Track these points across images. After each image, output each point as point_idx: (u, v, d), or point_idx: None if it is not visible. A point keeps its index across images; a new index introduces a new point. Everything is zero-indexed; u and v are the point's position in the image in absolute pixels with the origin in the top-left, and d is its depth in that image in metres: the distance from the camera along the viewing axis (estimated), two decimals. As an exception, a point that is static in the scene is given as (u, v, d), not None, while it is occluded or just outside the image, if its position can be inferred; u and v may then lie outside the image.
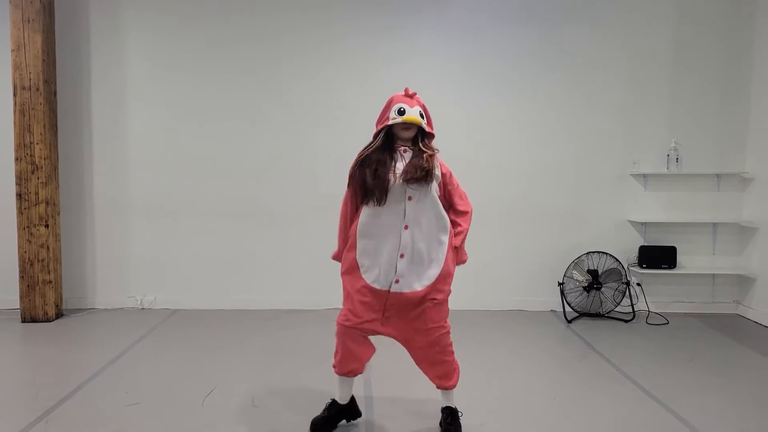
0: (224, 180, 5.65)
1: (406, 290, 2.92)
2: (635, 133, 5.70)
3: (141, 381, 3.85)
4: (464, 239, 3.15)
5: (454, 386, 3.13)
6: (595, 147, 5.72)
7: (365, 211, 2.96)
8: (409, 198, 2.91)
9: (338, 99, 5.65)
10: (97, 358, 4.27)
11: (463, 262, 3.20)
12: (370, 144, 3.00)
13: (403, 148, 2.98)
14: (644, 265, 5.60)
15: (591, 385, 3.87)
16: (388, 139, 2.97)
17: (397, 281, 2.92)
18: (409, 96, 2.97)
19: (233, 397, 3.60)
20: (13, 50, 5.01)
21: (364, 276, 2.95)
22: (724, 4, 5.61)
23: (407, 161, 2.93)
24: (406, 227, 2.91)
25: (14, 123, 5.06)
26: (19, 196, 5.11)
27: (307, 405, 3.45)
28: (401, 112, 2.90)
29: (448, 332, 3.06)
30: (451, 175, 3.14)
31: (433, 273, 2.97)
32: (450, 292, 3.08)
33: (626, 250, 5.75)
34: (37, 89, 5.06)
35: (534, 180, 5.74)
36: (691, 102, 5.67)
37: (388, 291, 2.92)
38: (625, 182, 5.75)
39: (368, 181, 2.87)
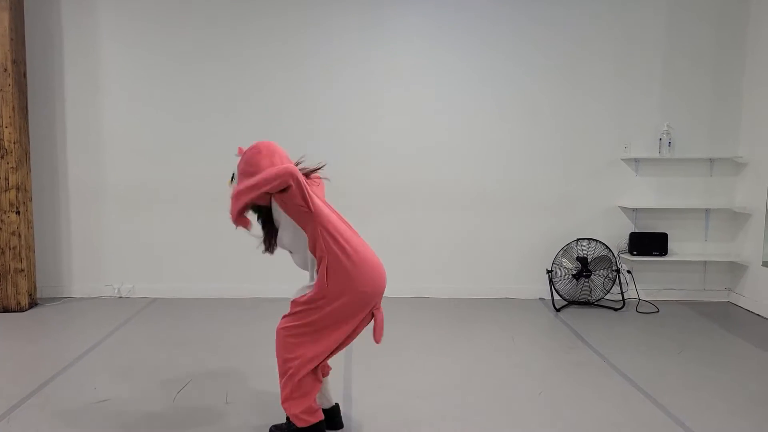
0: (203, 164, 5.46)
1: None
2: (626, 117, 5.54)
3: (113, 375, 3.70)
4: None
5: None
6: (585, 131, 5.56)
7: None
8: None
9: (324, 82, 5.46)
10: (69, 351, 4.12)
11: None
12: None
13: None
14: (635, 252, 5.47)
15: (578, 378, 3.75)
16: None
17: None
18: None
19: (207, 393, 3.46)
20: (-22, 29, 4.79)
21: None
22: (719, -18, 5.43)
23: None
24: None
25: (-18, 105, 4.85)
26: (-12, 181, 4.93)
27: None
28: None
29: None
30: None
31: None
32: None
33: (617, 236, 5.62)
34: (5, 70, 4.84)
35: (522, 165, 5.58)
36: (684, 85, 5.51)
37: None
38: (615, 167, 5.60)
39: None
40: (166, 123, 5.43)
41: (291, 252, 2.86)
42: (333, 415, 3.00)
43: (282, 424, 2.94)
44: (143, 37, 5.37)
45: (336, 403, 3.05)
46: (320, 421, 2.79)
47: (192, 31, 5.38)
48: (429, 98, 5.51)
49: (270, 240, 2.89)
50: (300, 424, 2.75)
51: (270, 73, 5.45)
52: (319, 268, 2.67)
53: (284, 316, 2.78)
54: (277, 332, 2.76)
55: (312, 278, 2.76)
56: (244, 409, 3.26)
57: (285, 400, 2.75)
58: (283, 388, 2.75)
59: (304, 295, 2.72)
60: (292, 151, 2.91)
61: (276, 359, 2.79)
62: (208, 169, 5.46)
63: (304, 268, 2.85)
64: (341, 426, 3.03)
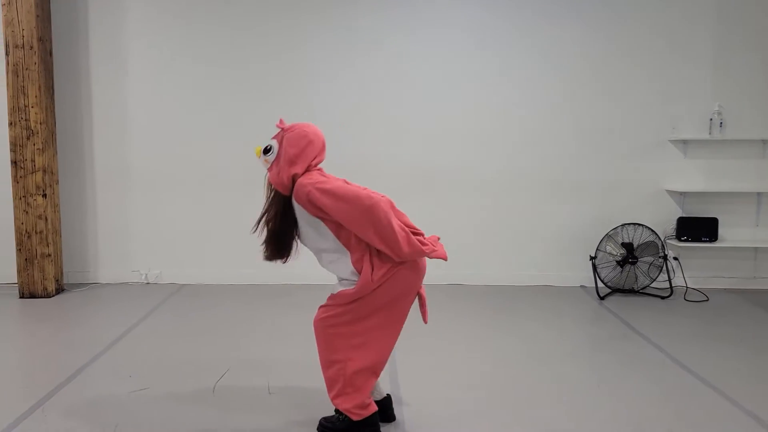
0: (234, 147, 5.27)
1: None
2: (675, 96, 5.27)
3: (146, 364, 3.53)
4: None
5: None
6: (631, 110, 5.30)
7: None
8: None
9: (348, 62, 5.25)
10: (99, 338, 3.96)
11: None
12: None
13: None
14: (683, 238, 5.22)
15: (635, 370, 3.53)
16: None
17: None
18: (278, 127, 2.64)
19: (247, 383, 3.28)
20: (3, 5, 4.61)
21: None
22: (775, -47, 5.13)
23: None
24: None
25: (7, 84, 4.69)
26: (14, 163, 4.77)
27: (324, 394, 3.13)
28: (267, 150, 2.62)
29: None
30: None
31: None
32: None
33: (663, 221, 5.36)
34: (31, 47, 4.67)
35: (564, 146, 5.34)
36: (737, 63, 5.22)
37: None
38: (663, 148, 5.34)
39: None
40: (196, 104, 5.24)
41: (317, 250, 2.63)
42: (385, 408, 2.81)
43: (332, 417, 2.75)
44: (171, 17, 5.17)
45: (387, 395, 2.86)
46: (374, 414, 2.61)
47: (222, 12, 5.17)
48: (468, 78, 5.27)
49: (287, 242, 2.63)
50: (354, 418, 2.58)
51: (299, 55, 5.24)
52: (356, 261, 2.50)
53: (323, 308, 2.62)
54: (317, 325, 2.60)
55: (347, 273, 2.56)
56: (285, 399, 3.08)
57: (336, 396, 2.57)
58: (332, 384, 2.58)
59: (347, 289, 2.53)
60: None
61: (318, 353, 2.62)
62: (238, 151, 5.26)
63: (332, 265, 2.62)
64: (393, 418, 2.84)
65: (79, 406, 2.96)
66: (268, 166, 2.58)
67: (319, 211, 2.45)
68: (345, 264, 2.54)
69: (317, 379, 3.27)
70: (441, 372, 3.46)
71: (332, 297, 2.59)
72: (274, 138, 2.59)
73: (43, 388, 3.16)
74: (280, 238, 2.59)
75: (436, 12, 5.22)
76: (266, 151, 2.58)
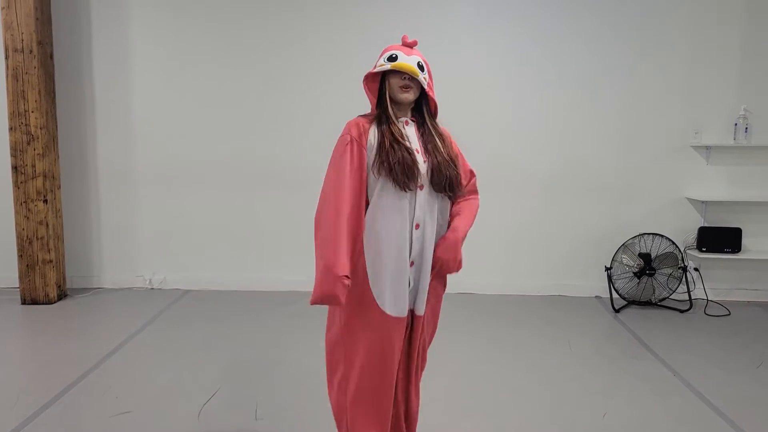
0: (239, 145, 5.15)
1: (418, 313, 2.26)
2: (698, 99, 5.00)
3: (137, 382, 3.44)
4: (462, 242, 2.33)
5: None
6: (651, 113, 5.05)
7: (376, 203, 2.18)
8: (420, 187, 2.20)
9: (360, 58, 5.07)
10: (95, 350, 3.88)
11: (453, 270, 2.34)
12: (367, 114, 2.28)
13: (404, 120, 2.24)
14: (704, 249, 4.97)
15: (646, 395, 3.34)
16: (380, 106, 2.23)
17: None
18: (408, 45, 2.21)
19: (234, 405, 3.17)
20: (2, 8, 4.53)
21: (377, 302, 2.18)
22: (809, -53, 4.82)
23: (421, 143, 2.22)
24: (417, 227, 2.22)
25: (7, 89, 4.62)
26: (14, 168, 4.71)
27: (318, 422, 3.00)
28: (393, 59, 2.15)
29: None
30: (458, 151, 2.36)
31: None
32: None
33: (684, 231, 5.12)
34: (31, 51, 4.59)
35: (580, 149, 5.11)
36: (763, 65, 4.93)
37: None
38: (684, 154, 5.08)
39: (405, 159, 2.12)
40: (199, 106, 5.13)
41: (418, 225, 2.23)
42: None
43: None
44: (174, 16, 5.05)
45: None
46: None
47: (226, 10, 5.04)
48: (482, 77, 5.06)
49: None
50: None
51: (308, 51, 5.08)
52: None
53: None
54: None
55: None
56: (275, 422, 2.96)
57: None
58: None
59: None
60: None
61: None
62: (243, 153, 5.15)
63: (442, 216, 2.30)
64: None
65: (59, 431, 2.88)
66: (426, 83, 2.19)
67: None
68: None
69: (312, 403, 3.15)
70: (442, 395, 3.30)
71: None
72: (410, 55, 2.18)
73: (25, 410, 3.08)
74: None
75: (450, 15, 5.02)
76: (421, 68, 2.18)
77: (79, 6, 5.02)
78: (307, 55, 5.08)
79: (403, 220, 2.17)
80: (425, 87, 2.19)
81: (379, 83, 2.23)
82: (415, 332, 2.28)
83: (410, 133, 2.22)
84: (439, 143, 2.23)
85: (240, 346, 4.01)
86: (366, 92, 2.26)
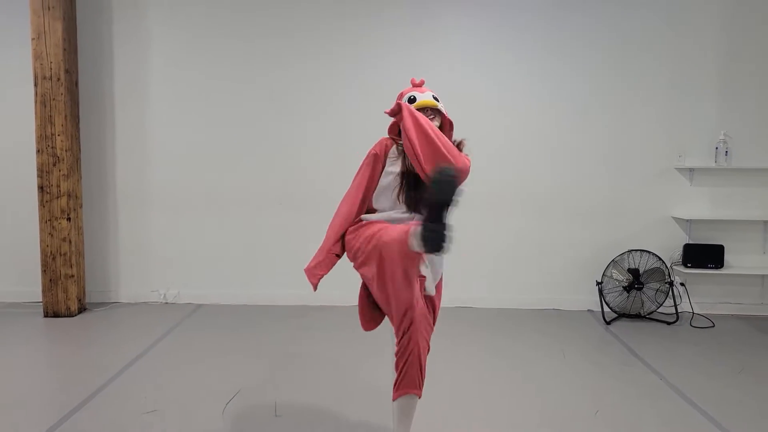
0: (248, 170, 5.47)
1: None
2: (681, 124, 5.37)
3: (162, 384, 3.70)
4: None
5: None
6: (638, 139, 5.41)
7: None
8: None
9: (376, 76, 5.42)
10: (116, 358, 4.14)
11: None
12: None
13: None
14: (689, 265, 5.29)
15: (635, 398, 3.62)
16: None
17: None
18: (417, 85, 2.83)
19: (256, 404, 3.43)
20: (33, 39, 4.87)
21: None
22: (781, -15, 5.22)
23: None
24: None
25: (35, 114, 4.93)
26: (40, 188, 5.00)
27: (330, 414, 3.27)
28: (412, 101, 2.72)
29: None
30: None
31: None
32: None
33: (670, 248, 5.44)
34: (58, 79, 4.92)
35: (571, 171, 5.45)
36: (742, 92, 5.31)
37: None
38: (669, 176, 5.43)
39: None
40: (212, 131, 5.45)
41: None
42: None
43: None
44: (191, 47, 5.40)
45: None
46: None
47: (239, 41, 5.39)
48: (470, 95, 5.40)
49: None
50: None
51: (318, 75, 5.42)
52: None
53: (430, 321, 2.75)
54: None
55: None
56: (295, 422, 3.22)
57: None
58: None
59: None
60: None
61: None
62: (253, 176, 5.47)
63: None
64: None
65: (93, 431, 3.13)
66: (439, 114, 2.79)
67: None
68: None
69: (326, 401, 3.42)
70: (439, 401, 3.57)
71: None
72: (423, 92, 2.79)
73: (57, 413, 3.31)
74: None
75: (450, 36, 5.38)
76: (436, 99, 2.77)
77: (103, 38, 5.36)
78: (325, 83, 5.42)
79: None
80: (444, 112, 2.74)
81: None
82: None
83: None
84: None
85: (254, 354, 4.28)
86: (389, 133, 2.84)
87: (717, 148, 5.29)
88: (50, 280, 5.08)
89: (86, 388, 3.63)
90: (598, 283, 5.27)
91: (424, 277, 2.67)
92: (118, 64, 5.40)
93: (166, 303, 5.60)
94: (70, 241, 5.08)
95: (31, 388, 3.66)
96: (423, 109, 2.69)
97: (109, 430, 3.10)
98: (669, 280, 5.22)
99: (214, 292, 5.60)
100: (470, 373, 4.00)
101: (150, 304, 5.57)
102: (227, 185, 5.51)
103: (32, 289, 5.43)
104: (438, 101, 2.75)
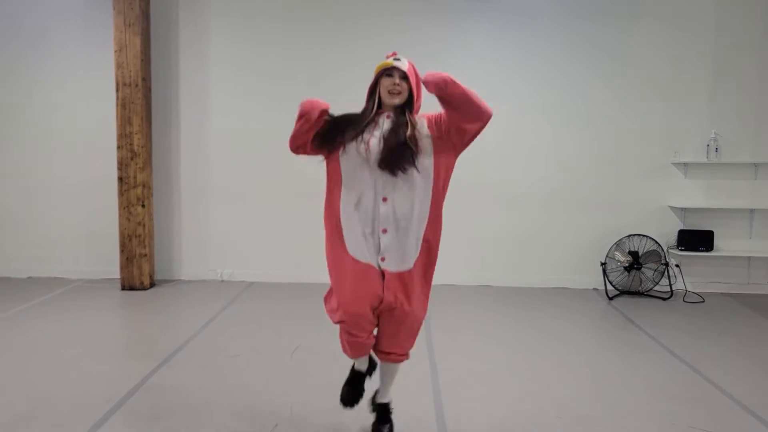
0: (295, 166, 6.18)
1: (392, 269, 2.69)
2: (676, 124, 6.09)
3: (235, 339, 4.49)
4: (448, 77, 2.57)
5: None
6: (638, 137, 6.13)
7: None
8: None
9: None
10: (191, 322, 4.92)
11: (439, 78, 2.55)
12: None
13: (386, 113, 2.71)
14: (682, 248, 6.00)
15: (630, 353, 4.36)
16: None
17: (383, 259, 2.70)
18: (391, 56, 2.75)
19: (315, 354, 4.20)
20: (116, 51, 5.69)
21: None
22: None
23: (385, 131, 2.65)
24: (384, 200, 2.66)
25: (116, 116, 5.75)
26: (120, 179, 5.82)
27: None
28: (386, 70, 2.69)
29: None
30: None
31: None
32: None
33: (666, 233, 6.16)
34: (136, 86, 5.73)
35: (579, 168, 6.19)
36: (731, 94, 6.03)
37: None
38: (666, 170, 6.15)
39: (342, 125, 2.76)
40: (264, 130, 6.23)
41: (399, 221, 2.67)
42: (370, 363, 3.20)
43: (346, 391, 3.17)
44: (248, 56, 6.21)
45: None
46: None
47: (292, 51, 6.17)
48: (497, 112, 6.12)
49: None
50: None
51: (358, 80, 6.18)
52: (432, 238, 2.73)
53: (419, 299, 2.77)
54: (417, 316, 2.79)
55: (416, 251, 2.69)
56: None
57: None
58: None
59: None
60: None
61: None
62: (299, 170, 6.21)
63: (404, 246, 2.68)
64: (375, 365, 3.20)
65: (193, 365, 3.93)
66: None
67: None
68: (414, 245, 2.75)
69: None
70: (464, 361, 4.33)
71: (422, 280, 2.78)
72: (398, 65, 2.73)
73: (160, 355, 4.12)
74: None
75: (457, 41, 6.14)
76: (402, 72, 2.67)
77: (171, 51, 6.18)
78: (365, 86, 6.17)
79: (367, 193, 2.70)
80: (403, 68, 2.69)
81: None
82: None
83: (384, 123, 2.71)
84: (401, 132, 2.62)
85: (305, 320, 5.03)
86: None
87: (708, 145, 6.00)
88: (127, 258, 5.89)
89: (174, 342, 4.42)
90: (602, 264, 5.99)
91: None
92: (184, 73, 6.21)
93: (222, 281, 6.40)
94: (143, 225, 5.89)
95: (128, 341, 4.48)
96: (391, 79, 2.68)
97: (209, 368, 3.90)
98: (665, 261, 5.93)
99: (264, 272, 6.38)
100: (490, 336, 4.76)
101: (208, 282, 6.37)
102: (275, 179, 6.29)
103: (108, 267, 6.25)
104: (404, 74, 2.71)
